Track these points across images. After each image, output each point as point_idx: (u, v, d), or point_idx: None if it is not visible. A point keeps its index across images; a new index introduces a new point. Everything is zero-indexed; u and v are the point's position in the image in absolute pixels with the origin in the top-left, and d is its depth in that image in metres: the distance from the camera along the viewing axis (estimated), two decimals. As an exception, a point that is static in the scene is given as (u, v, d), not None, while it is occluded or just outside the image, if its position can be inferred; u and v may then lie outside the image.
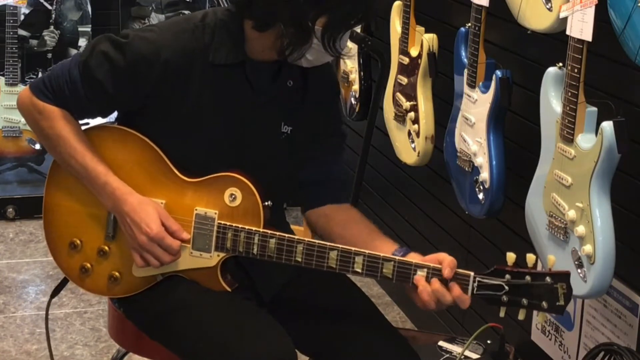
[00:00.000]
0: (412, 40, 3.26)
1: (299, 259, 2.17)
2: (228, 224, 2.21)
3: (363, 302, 2.38)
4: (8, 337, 3.66)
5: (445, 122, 3.05)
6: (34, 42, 5.01)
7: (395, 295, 4.06)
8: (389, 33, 3.39)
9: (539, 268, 2.27)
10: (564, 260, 2.37)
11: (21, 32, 4.89)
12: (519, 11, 2.56)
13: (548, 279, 2.04)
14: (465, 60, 2.86)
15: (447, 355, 2.72)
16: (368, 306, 2.37)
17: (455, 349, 2.75)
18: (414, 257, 2.16)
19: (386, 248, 2.21)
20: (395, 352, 2.27)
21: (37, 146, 4.79)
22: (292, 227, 2.48)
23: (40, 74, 4.90)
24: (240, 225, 2.20)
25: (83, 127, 2.30)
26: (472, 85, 2.83)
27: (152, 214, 2.20)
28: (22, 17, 4.93)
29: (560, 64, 2.39)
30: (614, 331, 2.56)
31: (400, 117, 3.34)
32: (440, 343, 2.78)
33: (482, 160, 2.81)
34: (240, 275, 2.30)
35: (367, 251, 2.13)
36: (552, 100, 2.43)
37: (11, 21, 4.73)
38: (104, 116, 2.35)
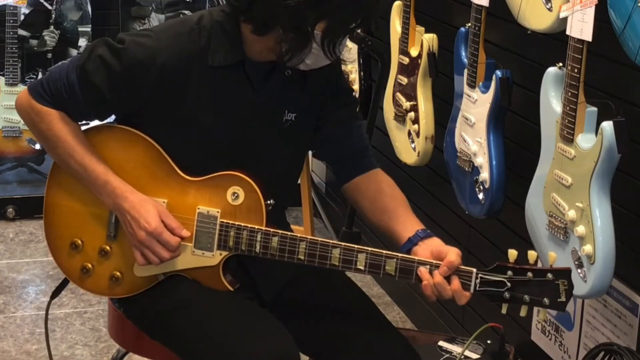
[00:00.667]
0: (412, 40, 3.26)
1: (302, 257, 2.17)
2: (230, 222, 2.22)
3: (363, 302, 2.38)
4: (8, 337, 3.66)
5: (445, 122, 3.05)
6: (34, 42, 5.01)
7: (395, 295, 4.07)
8: (389, 33, 3.39)
9: (539, 266, 2.27)
10: (564, 260, 2.37)
11: (21, 32, 4.89)
12: (519, 11, 2.56)
13: (549, 275, 2.05)
14: (465, 60, 2.86)
15: (447, 355, 2.73)
16: (368, 306, 2.37)
17: (455, 349, 2.75)
18: (432, 245, 2.18)
19: (410, 227, 2.24)
20: (395, 352, 2.27)
21: (37, 146, 4.79)
22: (292, 227, 2.48)
23: (40, 74, 4.90)
24: (242, 224, 2.21)
25: (84, 128, 2.31)
26: (472, 85, 2.83)
27: (152, 211, 2.20)
28: (22, 17, 4.93)
29: (560, 64, 2.39)
30: (614, 331, 2.56)
31: (400, 117, 3.35)
32: (440, 343, 2.78)
33: (482, 160, 2.81)
34: (241, 275, 2.30)
35: (369, 249, 2.14)
36: (552, 100, 2.43)
37: (11, 21, 4.73)
38: (102, 119, 2.35)
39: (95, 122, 2.36)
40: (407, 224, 2.25)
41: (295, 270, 2.33)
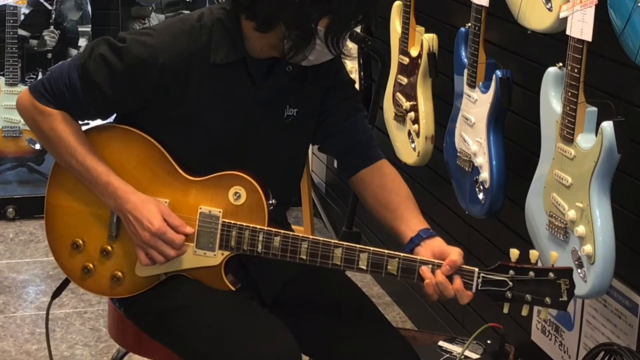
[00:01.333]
0: (412, 40, 3.26)
1: (304, 257, 2.18)
2: (232, 222, 2.22)
3: (363, 302, 2.38)
4: (8, 337, 3.66)
5: (445, 122, 3.06)
6: (34, 42, 5.01)
7: (395, 295, 4.07)
8: (389, 33, 3.39)
9: (541, 265, 2.27)
10: (564, 260, 2.37)
11: (21, 32, 4.88)
12: (519, 11, 2.56)
13: (551, 274, 2.05)
14: (465, 60, 2.86)
15: (447, 355, 2.73)
16: (368, 306, 2.37)
17: (455, 349, 2.75)
18: (434, 245, 2.18)
19: (413, 227, 2.23)
20: (395, 352, 2.27)
21: (37, 146, 4.80)
22: (293, 227, 2.48)
23: (40, 74, 4.90)
24: (244, 224, 2.21)
25: (86, 127, 2.31)
26: (472, 85, 2.83)
27: (154, 211, 2.20)
28: (22, 17, 4.93)
29: (560, 64, 2.39)
30: (614, 331, 2.57)
31: (400, 117, 3.35)
32: (440, 343, 2.78)
33: (482, 160, 2.81)
34: (242, 275, 2.30)
35: (371, 248, 2.14)
36: (552, 100, 2.44)
37: (11, 21, 4.73)
38: (103, 118, 2.36)
39: (97, 122, 2.37)
40: (410, 223, 2.25)
41: (296, 271, 2.33)
